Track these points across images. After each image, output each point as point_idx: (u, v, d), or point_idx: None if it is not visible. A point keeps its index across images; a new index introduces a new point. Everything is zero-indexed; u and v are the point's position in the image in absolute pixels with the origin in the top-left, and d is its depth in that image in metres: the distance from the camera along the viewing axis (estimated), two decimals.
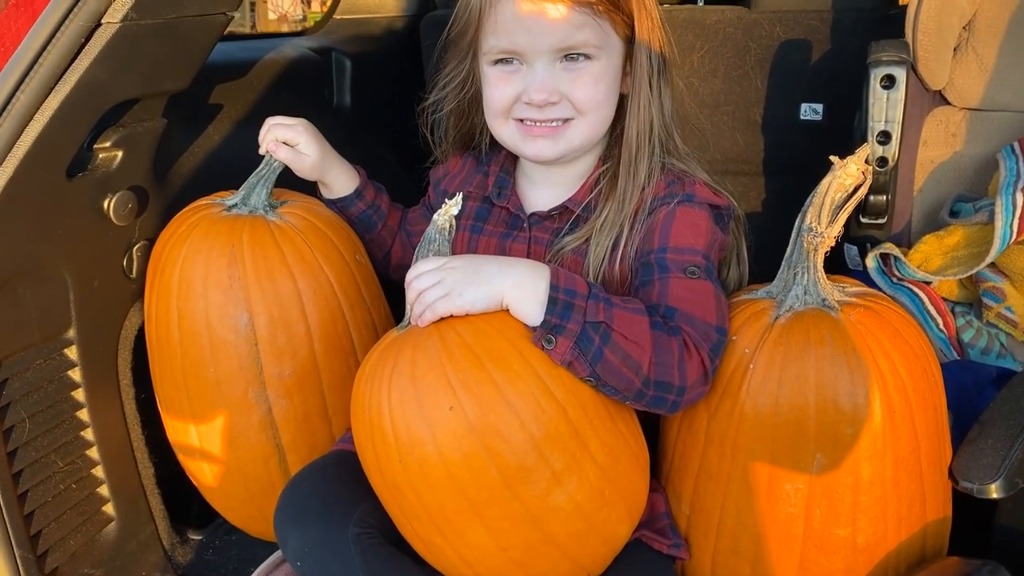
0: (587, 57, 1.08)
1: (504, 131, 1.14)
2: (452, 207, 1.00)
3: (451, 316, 0.95)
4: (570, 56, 1.07)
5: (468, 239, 1.21)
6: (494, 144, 1.23)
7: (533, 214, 1.18)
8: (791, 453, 0.95)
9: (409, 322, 0.99)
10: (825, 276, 1.00)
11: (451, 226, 1.01)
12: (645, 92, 1.12)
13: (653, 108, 1.13)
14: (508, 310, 0.95)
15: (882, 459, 0.94)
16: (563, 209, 1.16)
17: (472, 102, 1.20)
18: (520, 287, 0.94)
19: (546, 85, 1.07)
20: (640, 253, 1.08)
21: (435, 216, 1.01)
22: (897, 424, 0.94)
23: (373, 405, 0.95)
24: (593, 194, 1.14)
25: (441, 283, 0.95)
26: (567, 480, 0.94)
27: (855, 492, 0.95)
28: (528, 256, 1.16)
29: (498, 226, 1.20)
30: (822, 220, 0.98)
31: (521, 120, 1.11)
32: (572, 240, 1.13)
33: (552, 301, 0.93)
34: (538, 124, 1.10)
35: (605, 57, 1.09)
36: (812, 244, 0.98)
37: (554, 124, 1.10)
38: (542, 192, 1.20)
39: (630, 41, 1.11)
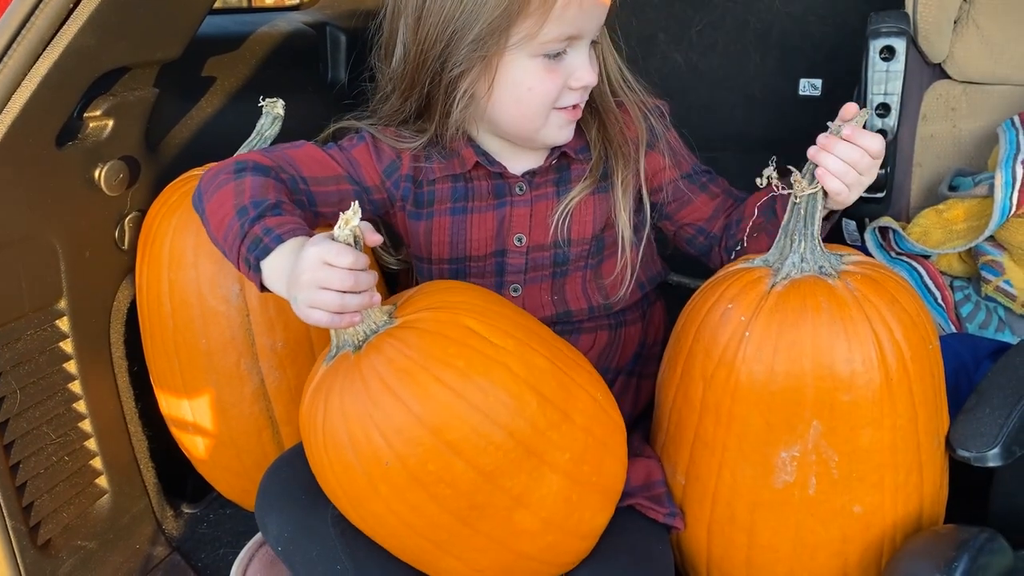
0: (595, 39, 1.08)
1: (547, 124, 1.08)
2: (352, 218, 0.84)
3: (373, 348, 0.88)
4: (593, 40, 1.07)
5: (451, 223, 1.14)
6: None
7: (527, 172, 1.14)
8: (787, 421, 0.94)
9: (336, 350, 0.92)
10: (823, 244, 0.99)
11: (356, 238, 0.85)
12: (607, 39, 1.14)
13: (611, 49, 1.15)
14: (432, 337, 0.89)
15: (879, 427, 0.93)
16: (560, 155, 1.14)
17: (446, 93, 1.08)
18: None
19: (593, 64, 1.06)
20: (676, 177, 1.18)
21: (335, 232, 0.85)
22: (894, 392, 0.93)
23: (315, 453, 0.92)
24: (581, 137, 1.15)
25: None
26: (528, 500, 0.90)
27: (852, 460, 0.94)
28: (531, 218, 1.14)
29: (486, 200, 1.14)
30: (819, 187, 0.97)
31: (560, 110, 1.08)
32: (582, 189, 1.13)
33: None
34: (575, 107, 1.08)
35: None
36: (809, 211, 0.97)
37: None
38: (522, 156, 1.15)
39: None
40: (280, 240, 0.91)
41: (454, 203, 1.14)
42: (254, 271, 0.93)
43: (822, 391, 0.92)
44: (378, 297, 0.87)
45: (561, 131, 1.10)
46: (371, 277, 0.85)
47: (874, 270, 0.98)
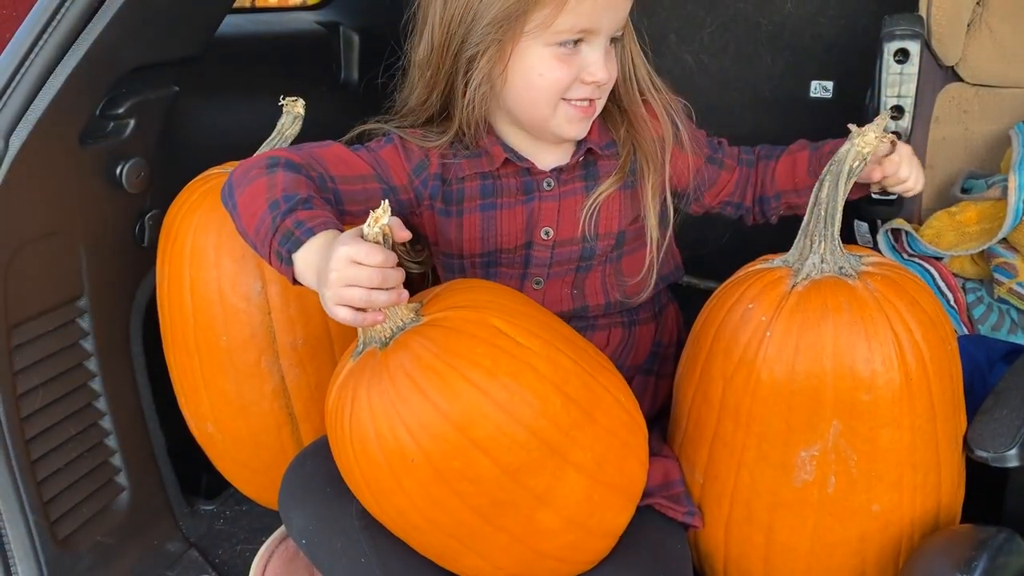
0: (617, 37, 1.09)
1: (555, 114, 1.08)
2: (382, 216, 0.85)
3: (400, 345, 0.90)
4: (613, 38, 1.08)
5: (481, 219, 1.15)
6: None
7: (554, 169, 1.15)
8: (807, 421, 0.95)
9: (363, 346, 0.93)
10: (842, 245, 1.00)
11: (384, 236, 0.86)
12: (634, 42, 1.14)
13: (638, 51, 1.16)
14: (459, 335, 0.91)
15: (899, 427, 0.94)
16: (587, 151, 1.14)
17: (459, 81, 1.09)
18: None
19: (610, 63, 1.07)
20: (700, 166, 1.21)
21: (364, 229, 0.86)
22: (914, 392, 0.94)
23: (340, 447, 0.93)
24: (607, 133, 1.16)
25: None
26: (551, 499, 0.91)
27: (871, 459, 0.95)
28: (559, 212, 1.14)
29: (515, 196, 1.15)
30: (840, 188, 0.98)
31: (570, 102, 1.08)
32: (610, 184, 1.13)
33: None
34: (589, 104, 1.09)
35: None
36: (830, 212, 0.98)
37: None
38: (549, 152, 1.16)
39: None
40: (311, 233, 0.92)
41: (483, 200, 1.15)
42: (286, 264, 0.93)
43: (842, 391, 0.93)
44: (405, 294, 0.88)
45: (572, 125, 1.10)
46: (399, 274, 0.86)
47: (893, 271, 0.99)
